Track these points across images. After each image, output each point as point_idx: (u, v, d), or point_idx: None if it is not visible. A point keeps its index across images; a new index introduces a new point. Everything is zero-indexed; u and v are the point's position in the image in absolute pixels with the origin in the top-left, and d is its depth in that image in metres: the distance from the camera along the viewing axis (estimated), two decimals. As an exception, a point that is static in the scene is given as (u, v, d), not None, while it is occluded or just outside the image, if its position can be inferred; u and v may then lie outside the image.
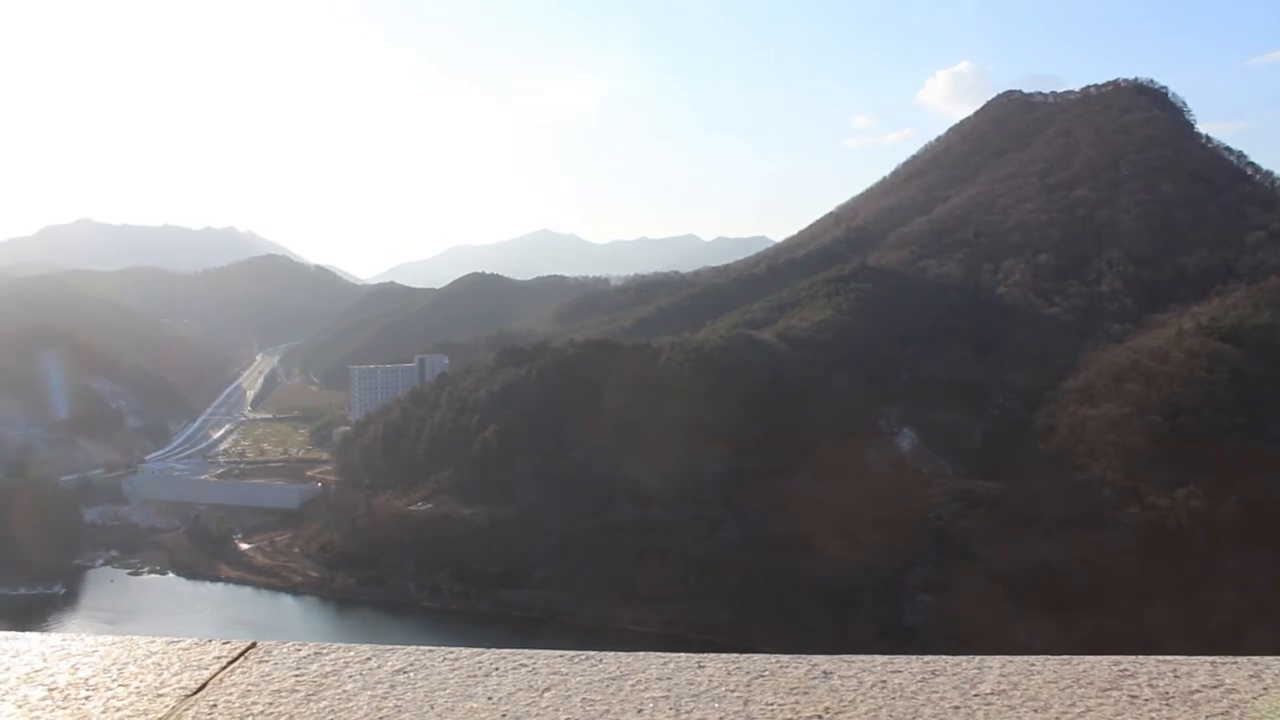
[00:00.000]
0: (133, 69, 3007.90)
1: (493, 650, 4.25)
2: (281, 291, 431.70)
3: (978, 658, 4.12)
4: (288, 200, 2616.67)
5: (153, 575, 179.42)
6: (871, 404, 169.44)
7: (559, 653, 4.16)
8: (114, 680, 4.07)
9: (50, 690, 4.01)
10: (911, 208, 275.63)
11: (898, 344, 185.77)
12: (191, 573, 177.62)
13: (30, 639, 4.60)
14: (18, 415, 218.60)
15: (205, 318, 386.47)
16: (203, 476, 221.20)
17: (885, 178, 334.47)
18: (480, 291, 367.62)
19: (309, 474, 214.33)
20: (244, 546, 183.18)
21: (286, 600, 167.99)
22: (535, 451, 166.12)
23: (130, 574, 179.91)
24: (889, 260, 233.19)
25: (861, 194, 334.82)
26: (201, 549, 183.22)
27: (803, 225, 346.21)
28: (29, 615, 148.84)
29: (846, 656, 4.11)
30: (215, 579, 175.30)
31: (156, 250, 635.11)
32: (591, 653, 4.15)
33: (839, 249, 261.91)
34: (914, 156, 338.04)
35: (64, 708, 3.87)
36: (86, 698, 3.94)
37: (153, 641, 4.44)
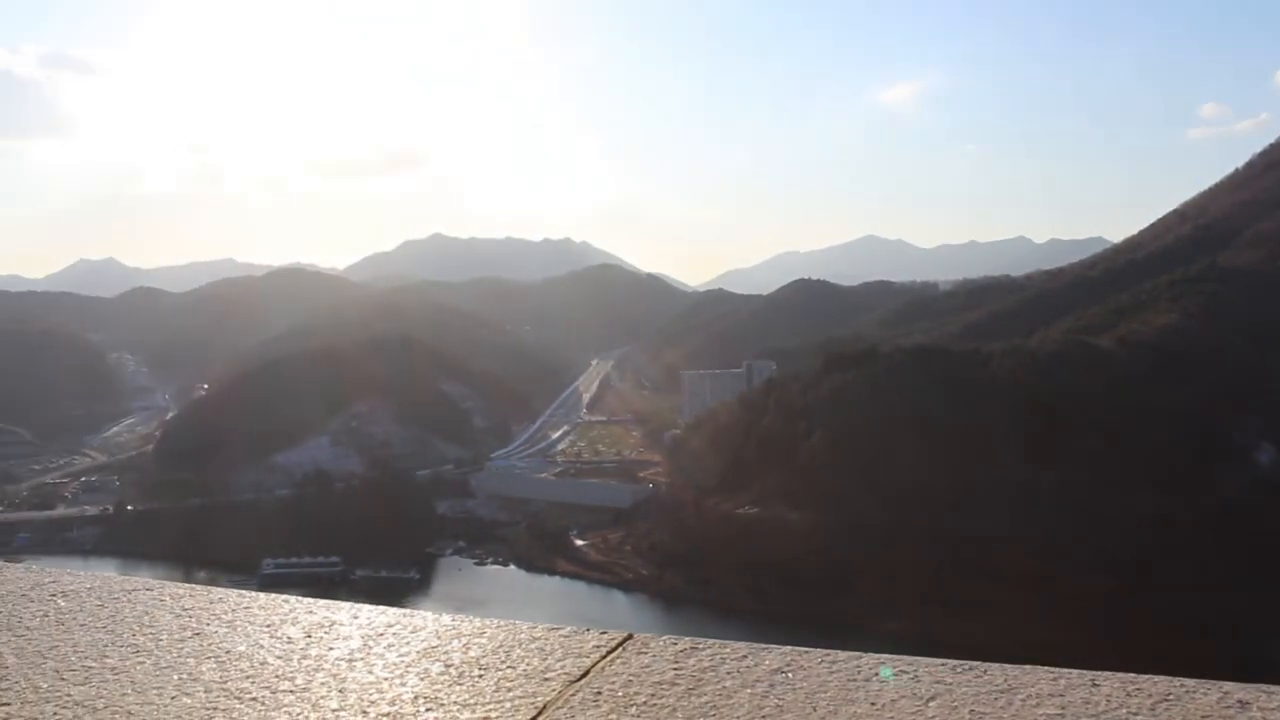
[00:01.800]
0: (478, 107, 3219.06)
1: (870, 654, 4.11)
2: (615, 299, 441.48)
3: None
4: (620, 212, 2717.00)
5: (495, 566, 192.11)
6: (1224, 416, 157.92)
7: (941, 661, 4.01)
8: (503, 661, 4.30)
9: (447, 666, 4.30)
10: (1269, 201, 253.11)
11: (1254, 351, 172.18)
12: (530, 565, 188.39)
13: (426, 617, 4.88)
14: (381, 414, 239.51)
15: (544, 324, 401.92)
16: (542, 475, 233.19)
17: (1238, 169, 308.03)
18: (806, 297, 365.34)
19: (641, 475, 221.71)
20: (579, 543, 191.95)
21: (618, 596, 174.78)
22: (861, 458, 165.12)
23: (475, 564, 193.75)
24: (1243, 260, 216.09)
25: (1210, 188, 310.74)
26: (540, 543, 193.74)
27: (1143, 225, 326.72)
28: (391, 596, 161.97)
29: (1266, 686, 3.62)
30: (552, 573, 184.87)
31: (500, 261, 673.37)
32: (975, 663, 3.97)
33: (1184, 249, 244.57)
34: (1272, 145, 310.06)
35: (460, 684, 4.14)
36: (480, 676, 4.19)
37: (534, 627, 4.59)
